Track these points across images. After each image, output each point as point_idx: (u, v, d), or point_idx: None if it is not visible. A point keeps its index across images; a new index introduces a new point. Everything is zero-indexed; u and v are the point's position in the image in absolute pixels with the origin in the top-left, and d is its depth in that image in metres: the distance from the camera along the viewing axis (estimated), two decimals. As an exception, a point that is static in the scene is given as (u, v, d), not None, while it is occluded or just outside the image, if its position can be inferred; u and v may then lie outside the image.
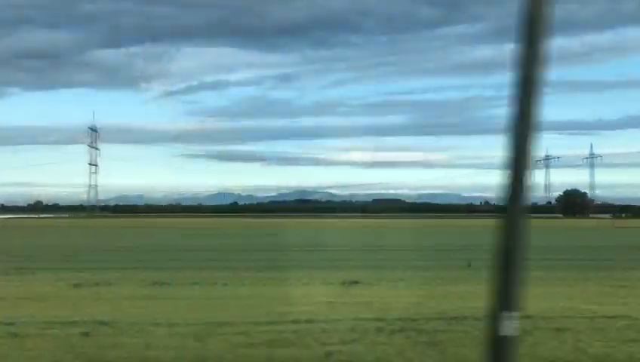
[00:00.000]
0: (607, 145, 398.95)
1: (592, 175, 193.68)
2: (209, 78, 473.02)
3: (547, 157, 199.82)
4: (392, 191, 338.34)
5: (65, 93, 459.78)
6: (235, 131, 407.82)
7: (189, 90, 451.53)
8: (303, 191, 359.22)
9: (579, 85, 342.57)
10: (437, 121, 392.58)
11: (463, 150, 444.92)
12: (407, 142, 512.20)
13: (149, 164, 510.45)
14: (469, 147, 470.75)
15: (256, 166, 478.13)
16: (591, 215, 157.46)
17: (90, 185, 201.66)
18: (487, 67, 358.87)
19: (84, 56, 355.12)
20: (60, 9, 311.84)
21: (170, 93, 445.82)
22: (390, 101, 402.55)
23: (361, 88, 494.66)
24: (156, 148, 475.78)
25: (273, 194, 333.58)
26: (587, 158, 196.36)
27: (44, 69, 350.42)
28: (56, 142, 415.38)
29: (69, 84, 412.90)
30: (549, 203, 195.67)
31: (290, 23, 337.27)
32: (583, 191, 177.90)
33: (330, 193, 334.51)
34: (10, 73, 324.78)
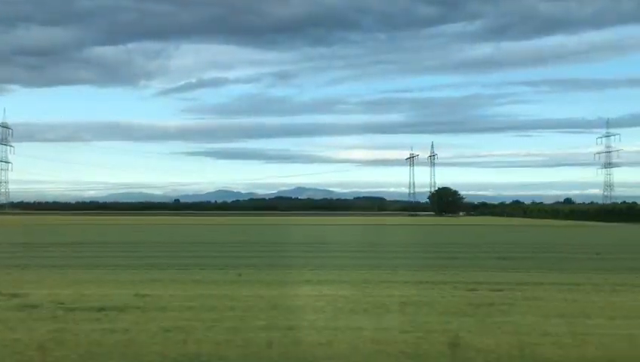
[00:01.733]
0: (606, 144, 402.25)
1: (432, 174, 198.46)
2: (207, 76, 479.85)
3: (432, 156, 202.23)
4: (392, 190, 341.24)
5: (64, 91, 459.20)
6: (233, 129, 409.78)
7: (188, 87, 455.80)
8: (302, 189, 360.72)
9: (578, 83, 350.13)
10: (436, 120, 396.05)
11: (463, 148, 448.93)
12: (406, 140, 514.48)
13: (147, 160, 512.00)
14: (469, 145, 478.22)
15: (254, 163, 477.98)
16: (461, 213, 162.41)
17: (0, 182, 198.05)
18: (486, 65, 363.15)
19: (82, 54, 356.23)
20: (58, 6, 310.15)
21: (169, 91, 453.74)
22: (389, 99, 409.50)
23: (360, 86, 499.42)
24: (154, 146, 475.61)
25: (273, 191, 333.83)
26: (430, 157, 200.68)
27: (43, 66, 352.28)
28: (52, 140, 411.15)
29: (67, 82, 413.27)
30: (416, 202, 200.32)
31: (289, 20, 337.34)
32: (453, 189, 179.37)
33: (329, 191, 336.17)
34: (9, 70, 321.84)
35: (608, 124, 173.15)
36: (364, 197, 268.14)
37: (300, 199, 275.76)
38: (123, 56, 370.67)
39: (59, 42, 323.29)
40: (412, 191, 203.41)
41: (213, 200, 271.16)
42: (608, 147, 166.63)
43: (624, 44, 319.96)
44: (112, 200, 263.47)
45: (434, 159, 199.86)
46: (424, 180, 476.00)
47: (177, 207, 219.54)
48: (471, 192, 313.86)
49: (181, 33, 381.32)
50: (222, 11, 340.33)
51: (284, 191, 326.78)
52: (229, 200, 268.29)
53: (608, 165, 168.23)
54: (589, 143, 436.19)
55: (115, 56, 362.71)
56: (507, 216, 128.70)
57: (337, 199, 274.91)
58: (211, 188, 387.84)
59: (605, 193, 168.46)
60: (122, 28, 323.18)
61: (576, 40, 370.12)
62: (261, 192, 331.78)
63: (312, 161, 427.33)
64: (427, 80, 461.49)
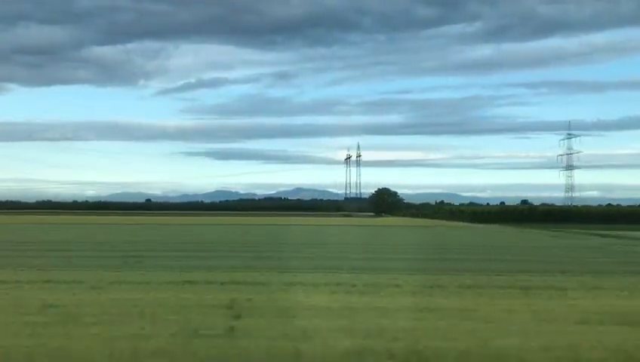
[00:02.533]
0: (606, 146, 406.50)
1: (358, 174, 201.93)
2: (207, 76, 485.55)
3: (358, 157, 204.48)
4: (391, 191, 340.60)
5: (63, 90, 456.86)
6: (232, 129, 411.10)
7: (187, 87, 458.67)
8: (301, 190, 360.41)
9: (577, 85, 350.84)
10: (435, 121, 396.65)
11: (462, 150, 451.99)
12: (405, 141, 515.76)
13: (146, 160, 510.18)
14: (468, 147, 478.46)
15: (254, 164, 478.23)
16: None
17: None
18: (485, 66, 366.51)
19: (81, 53, 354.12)
20: (57, 5, 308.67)
21: (168, 91, 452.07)
22: (388, 100, 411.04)
23: (359, 87, 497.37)
24: (153, 146, 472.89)
25: (272, 192, 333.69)
26: (357, 158, 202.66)
27: (42, 65, 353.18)
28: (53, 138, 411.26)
29: (66, 81, 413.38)
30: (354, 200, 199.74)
31: (288, 20, 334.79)
32: (393, 190, 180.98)
33: (328, 191, 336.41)
34: (8, 69, 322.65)
35: (570, 126, 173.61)
36: (353, 198, 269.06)
37: (287, 200, 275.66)
38: (122, 56, 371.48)
39: (58, 41, 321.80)
40: (348, 191, 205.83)
41: (212, 201, 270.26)
42: (569, 149, 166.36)
43: (623, 46, 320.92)
44: (110, 200, 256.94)
45: (359, 160, 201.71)
46: (420, 181, 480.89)
47: (174, 206, 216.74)
48: (469, 193, 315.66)
49: (180, 33, 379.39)
50: (221, 11, 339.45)
51: (283, 192, 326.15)
52: (218, 201, 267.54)
53: (570, 167, 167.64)
54: (587, 146, 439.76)
55: (114, 56, 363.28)
56: (422, 216, 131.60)
57: (327, 200, 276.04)
58: (210, 189, 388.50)
59: (567, 195, 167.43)
60: (121, 27, 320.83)
61: (576, 42, 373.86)
62: (260, 193, 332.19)
63: (311, 161, 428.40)
64: (426, 81, 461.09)
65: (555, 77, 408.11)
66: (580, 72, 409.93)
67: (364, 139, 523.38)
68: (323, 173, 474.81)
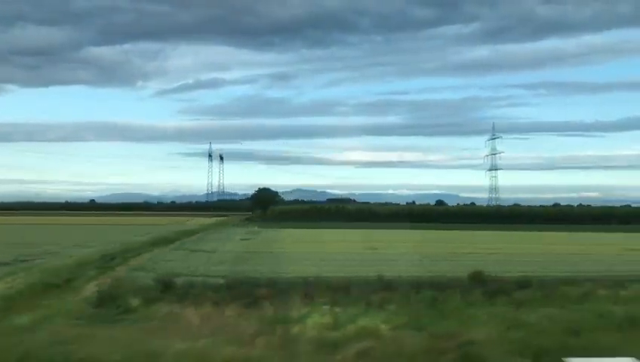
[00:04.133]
0: (605, 146, 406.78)
1: (221, 175, 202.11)
2: (205, 77, 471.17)
3: (220, 156, 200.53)
4: (390, 192, 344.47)
5: (61, 91, 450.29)
6: (231, 130, 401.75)
7: (185, 88, 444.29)
8: (300, 191, 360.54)
9: (576, 86, 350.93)
10: (434, 122, 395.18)
11: (461, 151, 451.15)
12: (404, 142, 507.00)
13: (145, 162, 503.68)
14: (467, 148, 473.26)
15: (252, 165, 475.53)
16: None
17: None
18: (484, 67, 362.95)
19: (79, 54, 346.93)
20: (55, 5, 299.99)
21: (166, 92, 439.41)
22: (387, 101, 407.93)
23: (358, 88, 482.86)
24: (152, 147, 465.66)
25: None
26: (219, 158, 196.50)
27: (40, 66, 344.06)
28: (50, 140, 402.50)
29: (65, 82, 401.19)
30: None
31: (286, 21, 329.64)
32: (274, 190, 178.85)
33: (327, 193, 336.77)
34: (7, 70, 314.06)
35: (494, 128, 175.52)
36: (336, 198, 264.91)
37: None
38: (120, 57, 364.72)
39: (56, 42, 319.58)
40: (211, 192, 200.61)
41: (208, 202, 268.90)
42: (493, 150, 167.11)
43: (622, 47, 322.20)
44: (109, 201, 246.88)
45: (222, 161, 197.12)
46: (418, 182, 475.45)
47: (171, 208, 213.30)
48: (468, 195, 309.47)
49: (178, 34, 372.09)
50: (219, 12, 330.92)
51: (283, 193, 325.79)
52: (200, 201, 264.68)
53: (494, 168, 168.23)
54: (586, 146, 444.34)
55: (112, 57, 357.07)
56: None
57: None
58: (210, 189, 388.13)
59: (491, 195, 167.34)
60: (119, 28, 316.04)
61: (574, 43, 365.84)
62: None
63: (310, 162, 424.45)
64: (425, 82, 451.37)
65: (553, 78, 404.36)
66: (578, 73, 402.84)
67: (362, 140, 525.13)
68: (322, 174, 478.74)
